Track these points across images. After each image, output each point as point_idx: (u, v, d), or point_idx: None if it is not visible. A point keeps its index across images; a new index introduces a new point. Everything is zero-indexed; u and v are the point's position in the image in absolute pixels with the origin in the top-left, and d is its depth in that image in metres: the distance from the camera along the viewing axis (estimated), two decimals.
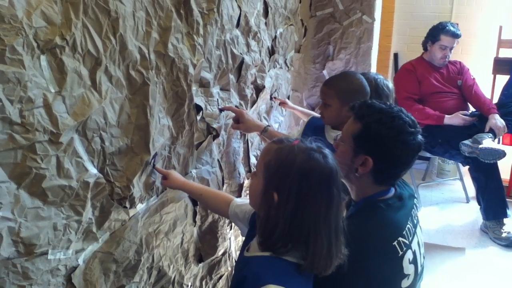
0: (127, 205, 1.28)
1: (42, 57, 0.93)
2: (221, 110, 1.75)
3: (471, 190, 3.57)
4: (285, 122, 2.65)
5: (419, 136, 1.30)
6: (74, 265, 1.13)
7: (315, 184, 1.06)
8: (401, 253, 1.22)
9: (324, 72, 3.02)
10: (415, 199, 1.41)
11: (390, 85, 2.10)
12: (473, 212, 3.54)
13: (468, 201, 3.77)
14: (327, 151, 1.11)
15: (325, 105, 1.86)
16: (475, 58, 3.99)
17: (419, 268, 1.30)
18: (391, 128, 1.28)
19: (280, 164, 1.08)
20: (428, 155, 3.63)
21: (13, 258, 0.95)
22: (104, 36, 1.08)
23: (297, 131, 2.07)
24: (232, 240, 2.06)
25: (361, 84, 1.84)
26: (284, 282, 1.02)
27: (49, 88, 0.95)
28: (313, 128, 1.98)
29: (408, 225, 1.29)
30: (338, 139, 1.39)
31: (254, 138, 2.20)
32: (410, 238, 1.27)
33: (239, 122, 1.85)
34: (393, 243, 1.22)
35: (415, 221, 1.35)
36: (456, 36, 3.32)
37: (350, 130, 1.33)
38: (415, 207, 1.39)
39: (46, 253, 1.03)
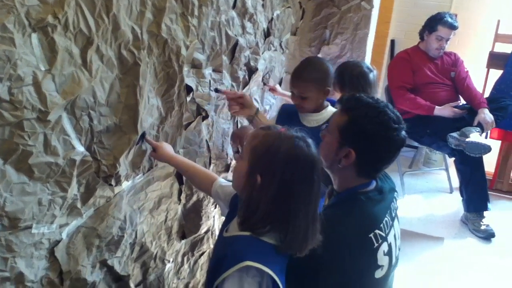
0: (113, 183, 1.30)
1: (34, 35, 0.93)
2: (216, 91, 1.74)
3: (456, 181, 3.62)
4: (277, 104, 2.66)
5: (403, 132, 1.33)
6: (58, 239, 1.16)
7: (298, 170, 1.12)
8: (376, 245, 1.26)
9: (319, 56, 3.01)
10: (395, 193, 1.45)
11: (371, 74, 2.11)
12: (455, 203, 3.60)
13: (451, 191, 3.84)
14: (310, 140, 1.17)
15: (303, 98, 1.86)
16: (471, 51, 3.98)
17: (393, 260, 1.35)
18: (376, 123, 1.30)
19: (266, 149, 1.13)
20: (415, 144, 3.66)
21: None
22: (97, 15, 1.08)
23: (269, 118, 2.08)
24: (216, 218, 2.10)
25: (327, 66, 1.91)
26: (261, 261, 1.07)
27: (39, 66, 0.96)
28: (287, 114, 1.98)
29: (386, 218, 1.33)
30: (325, 130, 1.41)
31: (244, 120, 2.21)
32: (387, 231, 1.31)
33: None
34: (370, 235, 1.26)
35: (393, 214, 1.39)
36: (453, 27, 3.32)
37: (336, 122, 1.36)
38: (394, 201, 1.42)
39: (30, 227, 1.05)
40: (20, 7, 0.87)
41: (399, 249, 1.40)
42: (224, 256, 1.12)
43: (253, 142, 1.17)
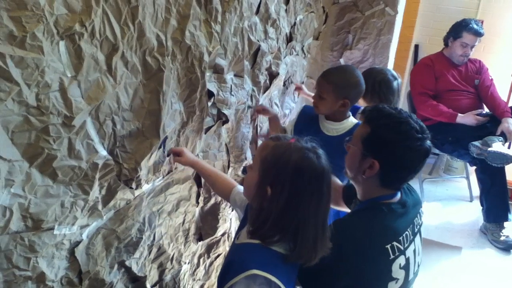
0: (133, 186, 1.32)
1: (61, 43, 0.96)
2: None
3: (476, 190, 3.57)
4: (296, 108, 2.66)
5: (427, 142, 1.31)
6: (78, 240, 1.19)
7: (307, 182, 1.12)
8: (392, 257, 1.26)
9: (341, 60, 3.00)
10: (420, 209, 1.43)
11: (395, 82, 2.10)
12: (475, 212, 3.55)
13: (471, 200, 3.78)
14: (320, 151, 1.16)
15: (320, 97, 1.87)
16: (497, 58, 3.91)
17: (411, 275, 1.34)
18: (397, 133, 1.30)
19: (276, 161, 1.14)
20: (436, 151, 3.62)
21: (21, 232, 1.00)
22: (123, 23, 1.10)
23: (290, 121, 2.08)
24: (233, 221, 2.11)
25: (358, 81, 1.87)
26: (268, 270, 1.08)
27: (66, 73, 0.98)
28: (307, 118, 1.98)
29: (406, 232, 1.32)
30: (349, 142, 1.41)
31: (264, 123, 2.22)
32: (406, 245, 1.31)
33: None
34: (386, 246, 1.26)
35: (415, 229, 1.38)
36: (478, 34, 3.27)
37: (359, 133, 1.36)
38: (418, 216, 1.41)
39: (52, 228, 1.08)
40: (49, 16, 0.90)
41: (418, 265, 1.39)
42: (233, 262, 1.14)
43: (263, 153, 1.17)
